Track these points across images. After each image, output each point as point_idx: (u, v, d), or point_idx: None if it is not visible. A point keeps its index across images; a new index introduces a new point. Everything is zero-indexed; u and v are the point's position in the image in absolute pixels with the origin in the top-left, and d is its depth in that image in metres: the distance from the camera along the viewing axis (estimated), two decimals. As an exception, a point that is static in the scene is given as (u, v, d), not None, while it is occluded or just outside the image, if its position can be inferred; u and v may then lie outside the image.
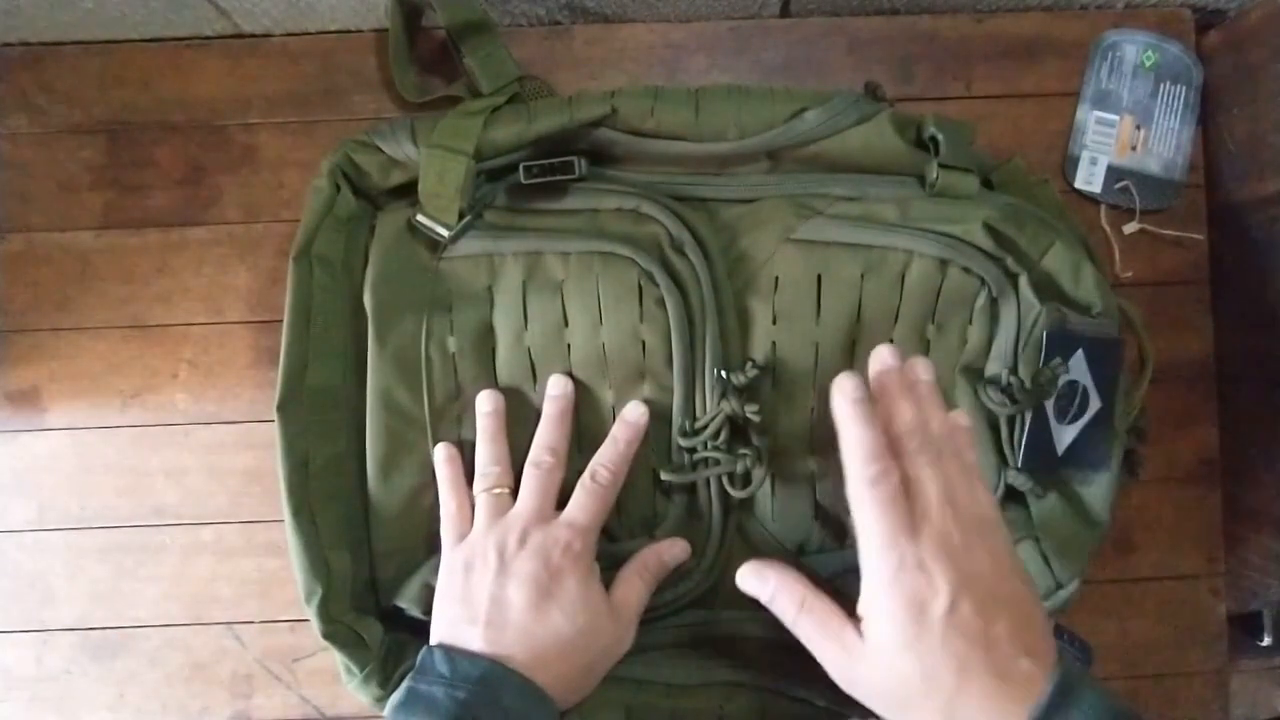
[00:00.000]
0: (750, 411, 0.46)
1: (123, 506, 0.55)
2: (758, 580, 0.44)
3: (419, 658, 0.43)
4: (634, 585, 0.47)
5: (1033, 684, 0.36)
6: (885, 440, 0.40)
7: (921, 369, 0.43)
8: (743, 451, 0.47)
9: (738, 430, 0.48)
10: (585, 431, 0.49)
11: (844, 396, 0.41)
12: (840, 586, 0.49)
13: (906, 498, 0.39)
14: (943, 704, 0.37)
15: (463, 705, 0.40)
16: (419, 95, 0.53)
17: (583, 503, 0.46)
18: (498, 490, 0.47)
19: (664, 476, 0.48)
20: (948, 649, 0.37)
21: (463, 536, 0.46)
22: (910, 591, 0.37)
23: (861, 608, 0.40)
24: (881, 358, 0.43)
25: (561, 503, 0.47)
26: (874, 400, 0.42)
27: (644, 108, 0.48)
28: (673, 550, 0.48)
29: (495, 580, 0.44)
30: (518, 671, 0.42)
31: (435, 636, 0.44)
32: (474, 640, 0.43)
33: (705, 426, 0.47)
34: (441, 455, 0.48)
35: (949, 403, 0.49)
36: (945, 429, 0.42)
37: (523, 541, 0.45)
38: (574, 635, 0.44)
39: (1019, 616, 0.38)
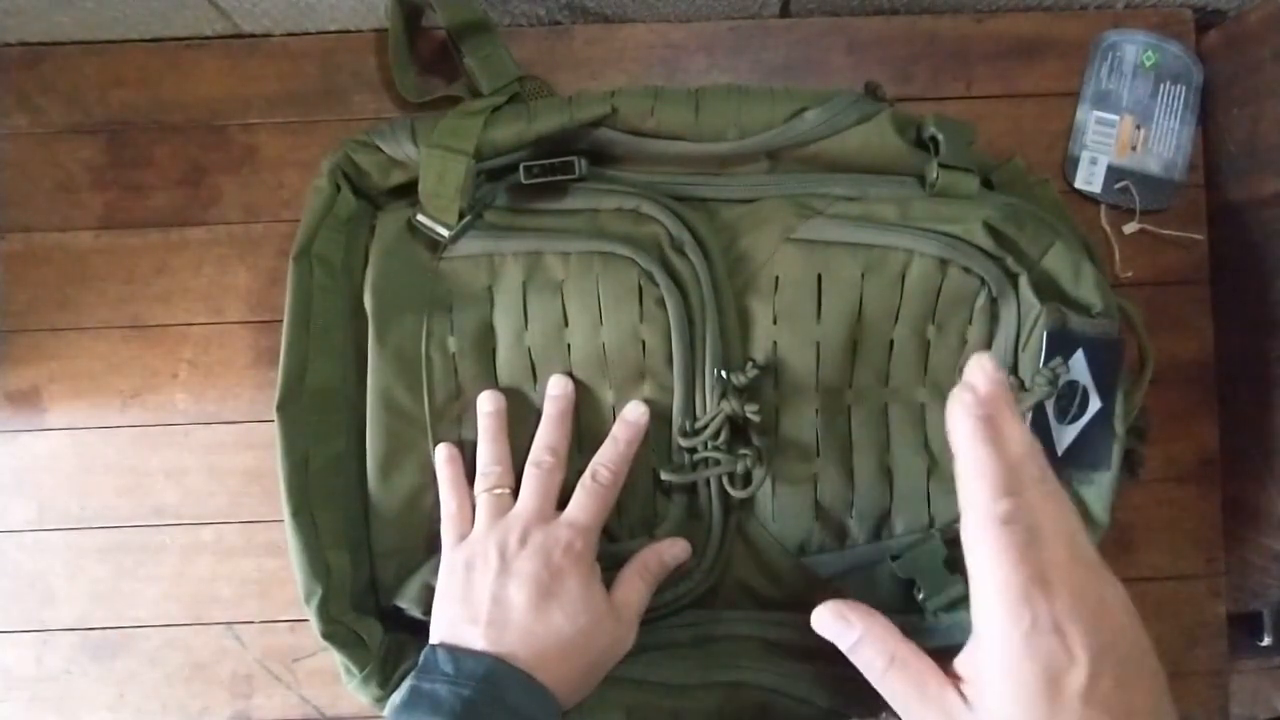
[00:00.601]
0: (750, 411, 0.46)
1: (123, 506, 0.55)
2: (839, 624, 0.38)
3: (421, 657, 0.43)
4: (635, 585, 0.47)
5: None
6: (1009, 470, 0.34)
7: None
8: (743, 452, 0.47)
9: (738, 430, 0.48)
10: (586, 431, 0.49)
11: (967, 412, 0.35)
12: (841, 588, 0.49)
13: (1037, 538, 0.33)
14: None
15: (467, 703, 0.40)
16: (419, 95, 0.53)
17: (583, 502, 0.46)
18: (499, 490, 0.47)
19: (664, 476, 0.48)
20: None
21: (463, 536, 0.46)
22: (1044, 659, 0.31)
23: (968, 668, 0.34)
24: (986, 369, 0.36)
25: (562, 503, 0.47)
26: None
27: (644, 108, 0.48)
28: (673, 550, 0.48)
29: (496, 580, 0.44)
30: (521, 669, 0.42)
31: (436, 636, 0.45)
32: (475, 639, 0.43)
33: (705, 426, 0.47)
34: (442, 455, 0.48)
35: (944, 396, 0.49)
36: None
37: (524, 541, 0.45)
38: (575, 635, 0.44)
39: (1155, 682, 0.33)
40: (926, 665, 0.35)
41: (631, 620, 0.46)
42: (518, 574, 0.44)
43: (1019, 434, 0.35)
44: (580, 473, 0.47)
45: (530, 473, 0.47)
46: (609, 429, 0.48)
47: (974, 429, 0.34)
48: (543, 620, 0.43)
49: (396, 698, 0.42)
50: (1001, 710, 0.32)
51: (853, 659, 0.38)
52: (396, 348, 0.48)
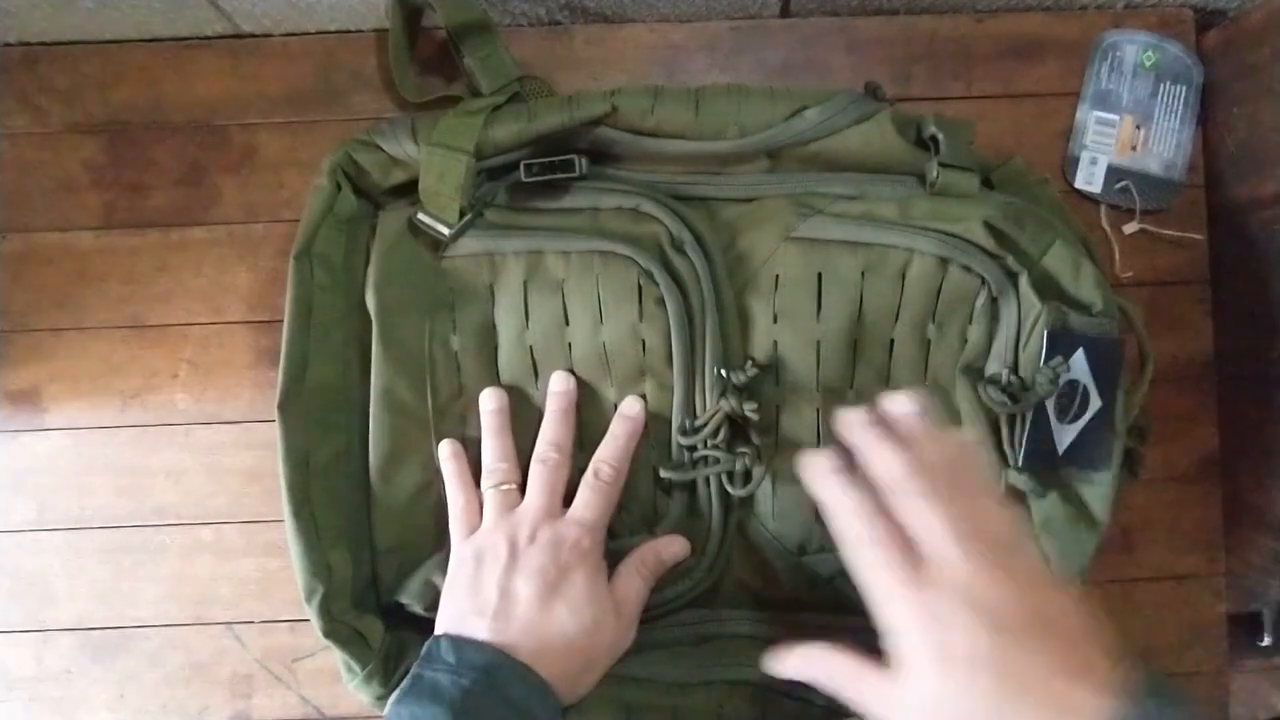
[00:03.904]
0: (750, 410, 0.46)
1: (123, 506, 0.55)
2: (798, 664, 0.42)
3: (425, 646, 0.44)
4: (633, 581, 0.47)
5: (1085, 710, 0.33)
6: (870, 498, 0.39)
7: (901, 404, 0.41)
8: (742, 450, 0.47)
9: (738, 429, 0.48)
10: (588, 429, 0.49)
11: (817, 472, 0.41)
12: (841, 586, 0.49)
13: (907, 547, 0.37)
14: None
15: (467, 693, 0.40)
16: (419, 95, 0.53)
17: (588, 499, 0.47)
18: (506, 486, 0.47)
19: (664, 474, 0.48)
20: (978, 692, 0.35)
21: (472, 530, 0.47)
22: (930, 641, 0.36)
23: (891, 663, 0.38)
24: (845, 420, 0.42)
25: (565, 500, 0.47)
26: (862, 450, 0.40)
27: (644, 107, 0.48)
28: (671, 548, 0.48)
29: (505, 573, 0.44)
30: (523, 662, 0.42)
31: (441, 626, 0.45)
32: (480, 631, 0.43)
33: (705, 425, 0.47)
34: (447, 452, 0.48)
35: (949, 405, 0.49)
36: (943, 456, 0.40)
37: (533, 537, 0.45)
38: (579, 631, 0.44)
39: (1062, 640, 0.35)
40: (871, 668, 0.38)
41: (631, 617, 0.47)
42: (526, 568, 0.44)
43: (887, 462, 0.39)
44: (582, 470, 0.47)
45: (536, 469, 0.47)
46: (611, 427, 0.48)
47: (825, 484, 0.41)
48: (548, 615, 0.44)
49: (401, 686, 0.42)
50: (913, 688, 0.36)
51: (819, 687, 0.41)
52: (400, 346, 0.48)
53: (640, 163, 0.50)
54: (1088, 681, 0.34)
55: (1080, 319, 0.46)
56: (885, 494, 0.39)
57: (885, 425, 0.41)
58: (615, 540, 0.49)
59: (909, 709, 0.37)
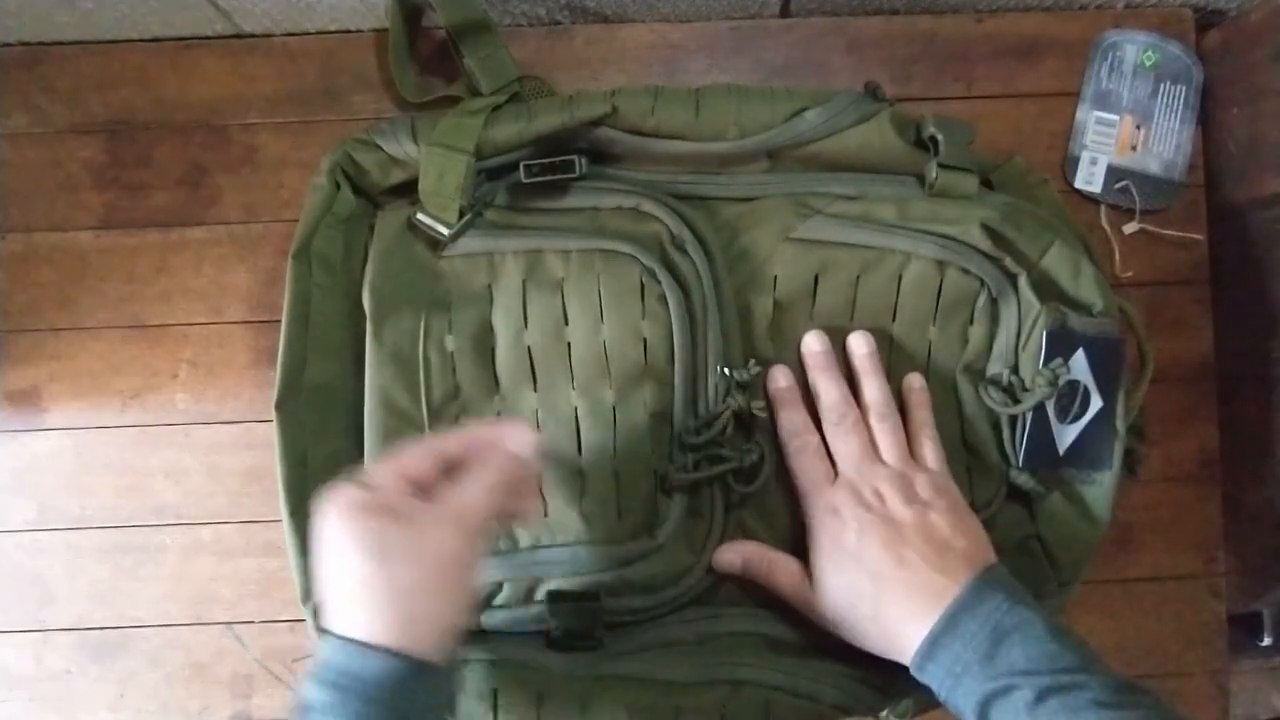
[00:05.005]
0: (757, 408, 0.46)
1: (123, 506, 0.55)
2: (729, 556, 0.49)
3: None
4: (467, 489, 0.39)
5: (945, 594, 0.42)
6: (804, 417, 0.48)
7: (856, 343, 0.48)
8: (747, 448, 0.47)
9: (741, 426, 0.48)
10: (591, 432, 0.49)
11: (773, 384, 0.49)
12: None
13: (826, 458, 0.47)
14: (871, 613, 0.44)
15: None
16: (419, 95, 0.53)
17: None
18: None
19: (677, 477, 0.47)
20: (863, 569, 0.44)
21: None
22: (829, 530, 0.46)
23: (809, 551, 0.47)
24: (807, 344, 0.49)
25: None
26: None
27: (644, 107, 0.48)
28: (514, 436, 0.41)
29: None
30: (333, 634, 0.36)
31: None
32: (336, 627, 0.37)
33: (711, 423, 0.47)
34: None
35: (946, 396, 0.49)
36: (881, 395, 0.47)
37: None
38: (374, 569, 0.36)
39: (930, 543, 0.44)
40: (792, 560, 0.48)
41: (468, 523, 0.38)
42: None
43: (825, 392, 0.48)
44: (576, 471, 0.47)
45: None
46: (610, 429, 0.48)
47: (777, 397, 0.49)
48: (338, 570, 0.37)
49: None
50: (819, 569, 0.46)
51: (748, 574, 0.49)
52: (394, 347, 0.48)
53: (640, 163, 0.50)
54: (950, 576, 0.43)
55: (1080, 319, 0.46)
56: (821, 414, 0.48)
57: (834, 358, 0.48)
58: (628, 567, 0.47)
59: (819, 594, 0.46)
